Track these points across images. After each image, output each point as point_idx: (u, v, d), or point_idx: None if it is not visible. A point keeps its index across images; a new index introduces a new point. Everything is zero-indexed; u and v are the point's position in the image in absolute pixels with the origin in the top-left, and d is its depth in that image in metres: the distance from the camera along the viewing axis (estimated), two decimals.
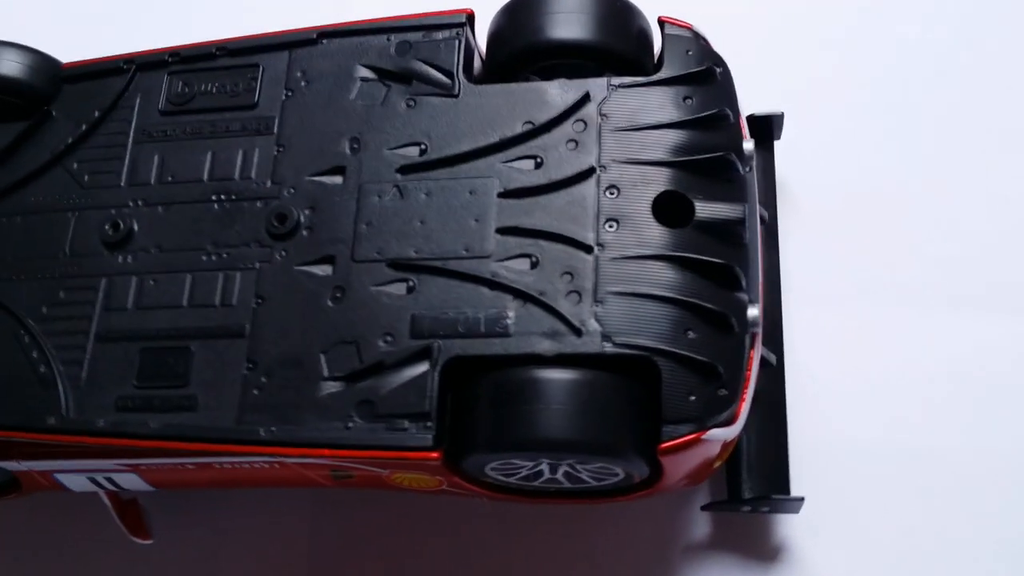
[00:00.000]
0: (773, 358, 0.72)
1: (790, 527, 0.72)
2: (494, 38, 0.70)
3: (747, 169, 0.67)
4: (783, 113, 0.78)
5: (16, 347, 0.66)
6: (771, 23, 0.87)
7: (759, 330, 0.62)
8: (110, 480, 0.69)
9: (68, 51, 0.76)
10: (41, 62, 0.75)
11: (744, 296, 0.62)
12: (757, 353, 0.64)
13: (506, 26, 0.70)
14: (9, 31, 0.77)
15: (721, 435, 0.60)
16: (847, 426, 0.74)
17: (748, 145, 0.66)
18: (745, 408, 0.62)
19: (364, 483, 0.66)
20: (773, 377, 0.73)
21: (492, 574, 0.72)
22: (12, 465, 0.67)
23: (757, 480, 0.70)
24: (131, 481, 0.68)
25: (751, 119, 0.78)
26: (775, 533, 0.72)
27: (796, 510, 0.70)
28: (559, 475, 0.63)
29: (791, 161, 0.81)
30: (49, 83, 0.74)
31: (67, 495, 0.72)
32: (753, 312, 0.62)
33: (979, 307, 0.76)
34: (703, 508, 0.71)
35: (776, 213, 0.78)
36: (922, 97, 0.83)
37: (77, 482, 0.69)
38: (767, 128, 0.79)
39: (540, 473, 0.63)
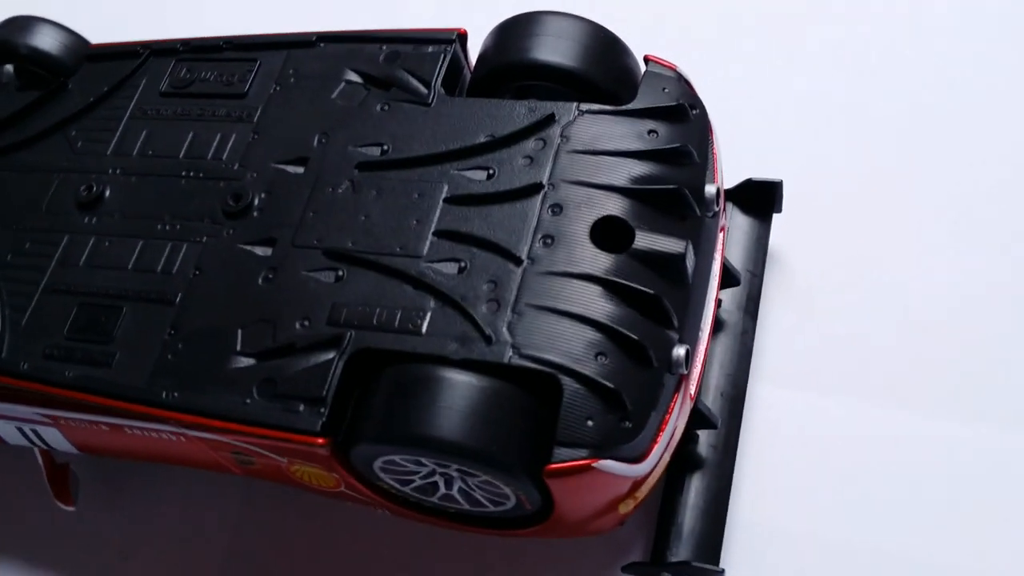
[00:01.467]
0: (717, 420, 0.68)
1: None
2: (481, 56, 0.71)
3: (709, 214, 0.64)
4: (782, 181, 0.75)
5: None
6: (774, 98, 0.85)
7: (685, 372, 0.59)
8: (36, 433, 0.69)
9: (99, 34, 0.80)
10: (72, 40, 0.79)
11: (673, 335, 0.59)
12: (682, 397, 0.60)
13: (492, 44, 0.70)
14: (50, 9, 0.82)
15: (618, 469, 0.56)
16: (795, 518, 0.69)
17: (711, 188, 0.64)
18: (657, 451, 0.59)
19: (267, 474, 0.64)
20: (725, 448, 0.69)
21: None
22: None
23: (685, 545, 0.66)
24: (54, 437, 0.69)
25: (750, 185, 0.76)
26: None
27: None
28: (454, 491, 0.60)
29: (791, 236, 0.78)
30: (74, 60, 0.78)
31: (9, 453, 0.74)
32: (679, 352, 0.58)
33: (957, 416, 0.71)
34: (624, 569, 0.67)
35: (762, 282, 0.75)
36: (930, 181, 0.79)
37: (8, 432, 0.70)
38: (768, 197, 0.76)
39: (435, 486, 0.60)
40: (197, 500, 0.74)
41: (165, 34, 0.79)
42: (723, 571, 0.64)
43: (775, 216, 0.77)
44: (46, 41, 0.79)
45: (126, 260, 0.67)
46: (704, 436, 0.69)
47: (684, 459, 0.68)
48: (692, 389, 0.63)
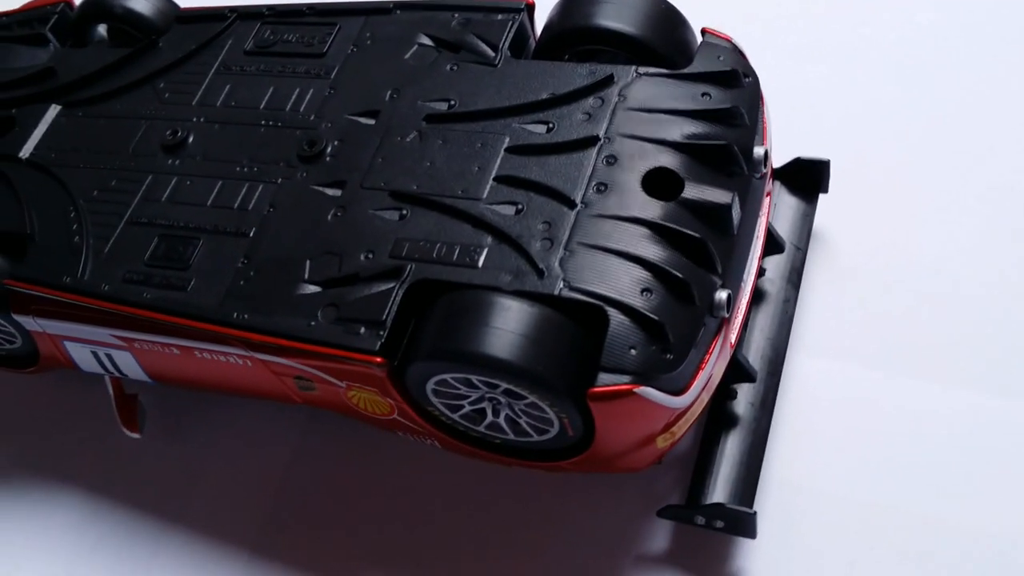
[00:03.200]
0: (755, 373, 0.71)
1: (747, 558, 0.69)
2: (547, 23, 0.75)
3: (757, 175, 0.67)
4: (829, 161, 0.78)
5: (63, 219, 0.73)
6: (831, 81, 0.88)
7: (726, 315, 0.62)
8: (110, 358, 0.74)
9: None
10: (163, 3, 0.85)
11: (717, 279, 0.62)
12: (723, 341, 0.63)
13: (558, 11, 0.74)
14: None
15: (658, 398, 0.59)
16: (830, 480, 0.71)
17: (759, 149, 0.67)
18: (696, 386, 0.61)
19: (326, 400, 0.68)
20: (763, 405, 0.72)
21: (439, 554, 0.72)
22: (28, 322, 0.73)
23: (720, 491, 0.68)
24: (127, 362, 0.73)
25: (798, 164, 0.79)
26: (731, 563, 0.69)
27: (752, 534, 0.67)
28: (501, 418, 0.64)
29: (837, 216, 0.81)
30: (165, 21, 0.84)
31: (81, 381, 0.78)
32: (721, 295, 0.62)
33: (995, 391, 0.72)
34: (659, 513, 0.69)
35: (805, 256, 0.78)
36: (982, 170, 0.82)
37: (83, 357, 0.75)
38: (815, 176, 0.79)
39: (483, 413, 0.64)
40: (257, 432, 0.78)
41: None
42: (755, 513, 0.66)
43: (821, 196, 0.80)
44: (139, 2, 0.85)
45: (205, 197, 0.72)
46: (743, 394, 0.72)
47: (723, 414, 0.71)
48: (732, 338, 0.66)
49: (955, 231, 0.80)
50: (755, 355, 0.73)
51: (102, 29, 0.86)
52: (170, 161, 0.74)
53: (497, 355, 0.59)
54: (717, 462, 0.69)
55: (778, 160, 0.78)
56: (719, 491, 0.68)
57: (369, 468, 0.76)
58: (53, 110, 0.80)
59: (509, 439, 0.65)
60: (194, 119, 0.76)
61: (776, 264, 0.76)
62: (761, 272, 0.74)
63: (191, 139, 0.75)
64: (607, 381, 0.59)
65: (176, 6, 0.85)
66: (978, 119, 0.85)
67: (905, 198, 0.81)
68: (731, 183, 0.65)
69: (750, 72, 0.70)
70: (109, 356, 0.74)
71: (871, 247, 0.80)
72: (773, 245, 0.74)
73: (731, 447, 0.70)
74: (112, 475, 0.78)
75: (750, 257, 0.67)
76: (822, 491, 0.70)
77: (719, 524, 0.67)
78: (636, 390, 0.58)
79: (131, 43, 0.83)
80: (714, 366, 0.63)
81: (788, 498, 0.70)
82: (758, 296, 0.75)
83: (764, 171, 0.68)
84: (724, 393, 0.71)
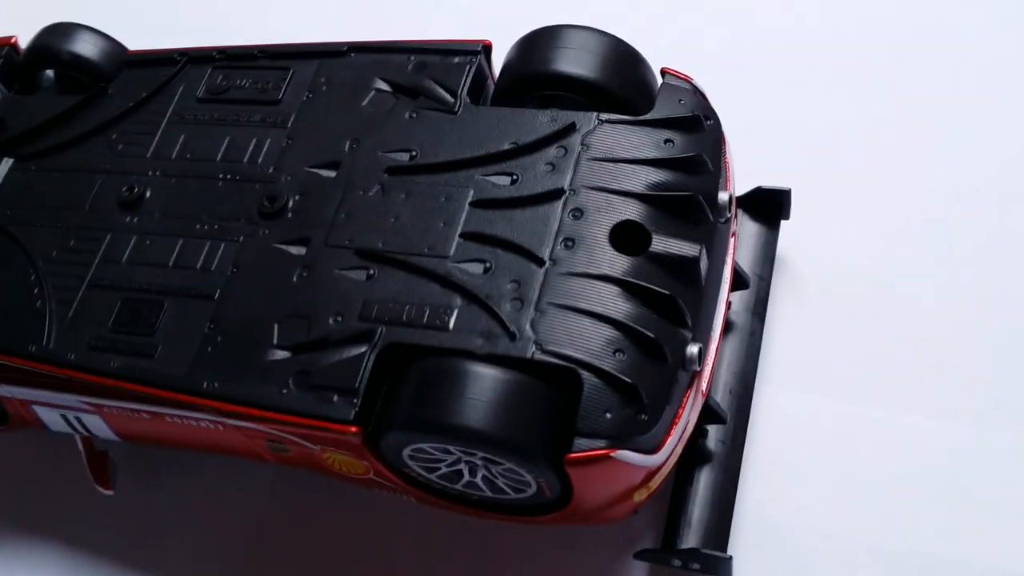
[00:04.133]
0: (726, 415, 0.71)
1: None
2: (505, 66, 0.74)
3: (721, 220, 0.67)
4: (790, 189, 0.79)
5: (23, 282, 0.72)
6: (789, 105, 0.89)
7: (698, 368, 0.62)
8: (79, 421, 0.73)
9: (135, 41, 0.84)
10: (111, 47, 0.83)
11: (687, 333, 0.63)
12: (695, 393, 0.64)
13: (516, 55, 0.74)
14: (90, 17, 0.85)
15: (634, 459, 0.60)
16: (804, 514, 0.72)
17: (723, 195, 0.67)
18: (670, 443, 0.62)
19: (300, 461, 0.68)
20: (733, 442, 0.73)
21: None
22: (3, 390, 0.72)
23: (695, 534, 0.69)
24: (96, 424, 0.73)
25: (759, 193, 0.80)
26: None
27: (728, 575, 0.68)
28: (478, 478, 0.64)
29: (799, 242, 0.81)
30: (113, 66, 0.82)
31: (49, 439, 0.77)
32: (693, 350, 0.62)
33: (969, 418, 0.74)
34: (636, 556, 0.70)
35: (770, 286, 0.78)
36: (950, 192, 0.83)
37: (53, 419, 0.74)
38: (776, 204, 0.80)
39: (460, 474, 0.64)
40: (228, 486, 0.78)
41: (198, 42, 0.83)
42: (731, 558, 0.67)
43: (783, 223, 0.80)
44: (86, 47, 0.83)
45: (167, 257, 0.71)
46: (713, 431, 0.73)
47: (694, 453, 0.72)
48: (704, 386, 0.66)
49: (918, 253, 0.81)
50: (723, 391, 0.74)
51: (50, 74, 0.85)
52: (128, 218, 0.73)
53: (474, 426, 0.59)
54: (690, 503, 0.70)
55: (740, 188, 0.79)
56: (693, 534, 0.69)
57: (343, 515, 0.76)
58: (6, 164, 0.79)
59: (486, 496, 0.65)
60: (150, 173, 0.75)
61: (742, 296, 0.77)
62: (728, 305, 0.74)
63: (148, 194, 0.74)
64: (584, 446, 0.59)
65: (124, 49, 0.83)
66: (937, 141, 0.85)
67: (867, 222, 0.82)
68: (697, 232, 0.65)
69: (711, 114, 0.70)
70: (79, 419, 0.73)
71: (835, 272, 0.81)
72: (738, 281, 0.75)
73: (704, 486, 0.71)
74: (87, 531, 0.78)
75: (718, 303, 0.68)
76: (797, 525, 0.71)
77: (695, 567, 0.68)
78: (613, 454, 0.59)
79: (80, 89, 0.82)
80: (688, 418, 0.64)
81: (764, 535, 0.71)
82: (726, 328, 0.76)
83: (728, 215, 0.68)
84: (696, 432, 0.71)
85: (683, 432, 0.64)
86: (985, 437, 0.73)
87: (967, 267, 0.80)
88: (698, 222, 0.66)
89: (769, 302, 0.78)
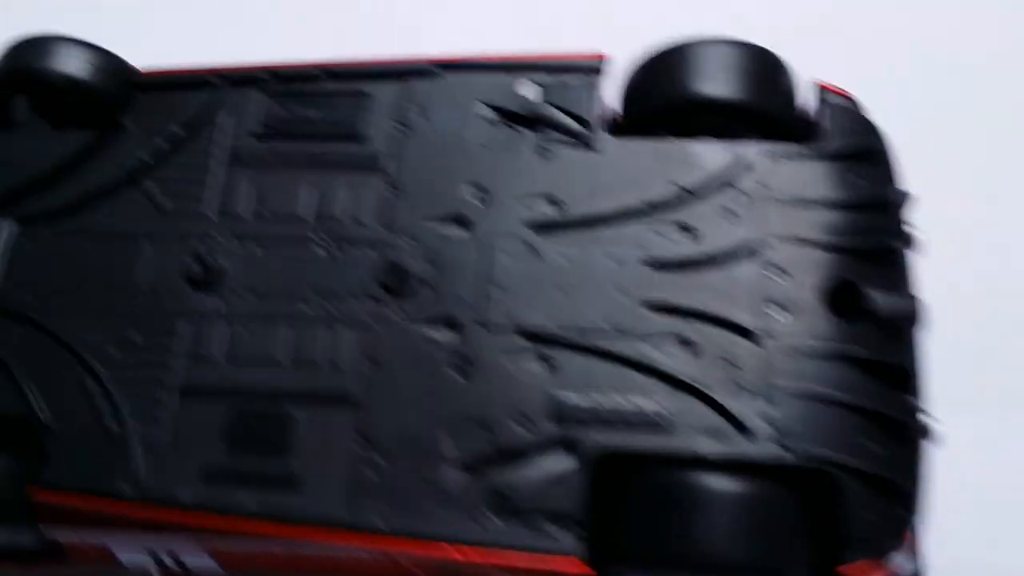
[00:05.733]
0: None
1: None
2: (632, 89, 0.64)
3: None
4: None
5: (81, 396, 0.58)
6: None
7: (933, 442, 0.57)
8: (174, 557, 0.60)
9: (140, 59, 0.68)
10: (113, 65, 0.67)
11: (917, 401, 0.57)
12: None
13: (646, 77, 0.63)
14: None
15: (906, 567, 0.54)
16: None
17: (909, 228, 0.61)
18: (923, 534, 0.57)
19: None
20: None
21: None
22: (64, 535, 0.58)
23: None
24: (201, 562, 0.60)
25: None
26: None
27: None
28: None
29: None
30: (119, 89, 0.66)
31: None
32: (930, 421, 0.56)
33: None
34: None
35: None
36: None
37: (134, 558, 0.61)
38: None
39: None
40: None
41: (205, 56, 0.67)
42: None
43: None
44: (82, 66, 0.66)
45: (277, 352, 0.58)
46: None
47: None
48: None
49: None
50: None
51: (24, 102, 0.67)
52: (208, 300, 0.60)
53: (733, 558, 0.52)
54: None
55: None
56: None
57: None
58: (5, 228, 0.63)
59: None
60: (218, 237, 0.61)
61: None
62: None
63: (228, 267, 0.60)
64: (853, 558, 0.53)
65: (127, 67, 0.67)
66: None
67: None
68: (900, 279, 0.59)
69: (882, 137, 0.62)
70: (175, 557, 0.60)
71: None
72: None
73: None
74: None
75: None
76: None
77: None
78: (887, 562, 0.53)
79: (78, 122, 0.66)
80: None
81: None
82: None
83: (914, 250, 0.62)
84: None
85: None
86: None
87: None
88: (898, 266, 0.59)
89: None
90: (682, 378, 0.56)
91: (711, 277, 0.58)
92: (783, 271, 0.58)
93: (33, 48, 0.66)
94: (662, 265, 0.58)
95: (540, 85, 0.63)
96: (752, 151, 0.61)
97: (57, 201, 0.63)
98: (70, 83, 0.65)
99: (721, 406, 0.55)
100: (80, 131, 0.65)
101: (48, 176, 0.64)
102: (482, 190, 0.61)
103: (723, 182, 0.60)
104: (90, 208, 0.63)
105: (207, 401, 0.57)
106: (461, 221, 0.60)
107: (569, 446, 0.54)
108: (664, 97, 0.63)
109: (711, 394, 0.55)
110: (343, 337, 0.58)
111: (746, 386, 0.55)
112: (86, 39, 0.67)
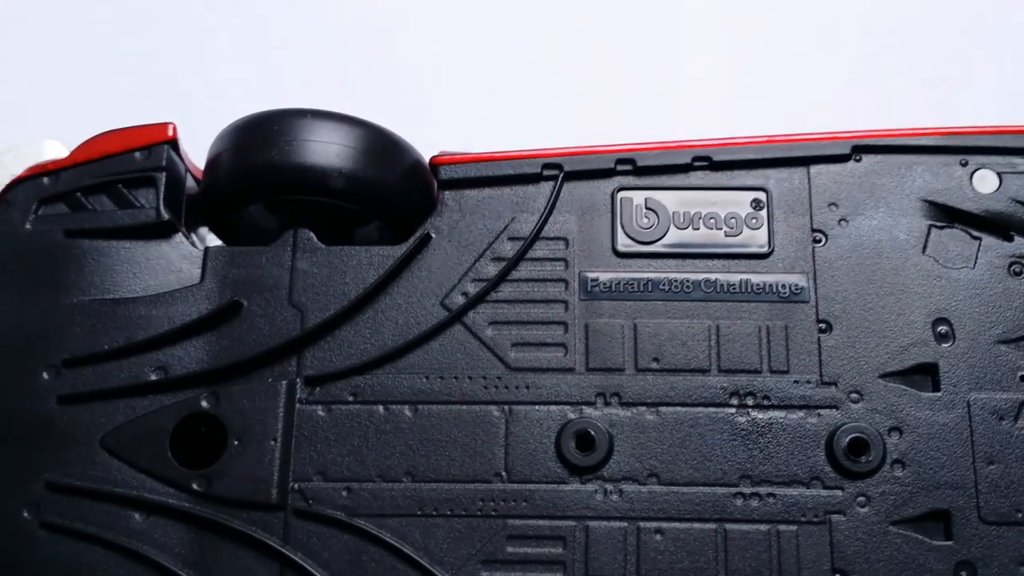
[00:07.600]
0: None
1: None
2: None
3: None
4: None
5: None
6: None
7: None
8: None
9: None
10: (406, 157, 0.49)
11: None
12: None
13: None
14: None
15: None
16: None
17: None
18: None
19: None
20: None
21: None
22: None
23: None
24: None
25: None
26: None
27: None
28: None
29: None
30: (418, 191, 0.49)
31: None
32: None
33: None
34: None
35: None
36: None
37: None
38: None
39: None
40: None
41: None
42: None
43: None
44: (348, 163, 0.48)
45: (706, 566, 0.43)
46: None
47: None
48: None
49: None
50: None
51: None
52: (595, 490, 0.45)
53: None
54: None
55: None
56: None
57: None
58: (294, 393, 0.46)
59: None
60: (596, 399, 0.46)
61: None
62: None
63: (615, 442, 0.45)
64: None
65: (417, 155, 0.50)
66: None
67: None
68: None
69: None
70: None
71: None
72: None
73: None
74: None
75: None
76: None
77: None
78: None
79: (347, 233, 0.49)
80: None
81: None
82: None
83: None
84: None
85: None
86: None
87: None
88: None
89: None
90: None
91: None
92: None
93: (268, 133, 0.48)
94: None
95: (1000, 175, 0.48)
96: None
97: (362, 355, 0.47)
98: (357, 186, 0.48)
99: None
100: (363, 246, 0.48)
101: (342, 315, 0.47)
102: (946, 326, 0.46)
103: None
104: (412, 354, 0.47)
105: None
106: (925, 370, 0.45)
107: None
108: None
109: None
110: (793, 540, 0.43)
111: None
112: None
